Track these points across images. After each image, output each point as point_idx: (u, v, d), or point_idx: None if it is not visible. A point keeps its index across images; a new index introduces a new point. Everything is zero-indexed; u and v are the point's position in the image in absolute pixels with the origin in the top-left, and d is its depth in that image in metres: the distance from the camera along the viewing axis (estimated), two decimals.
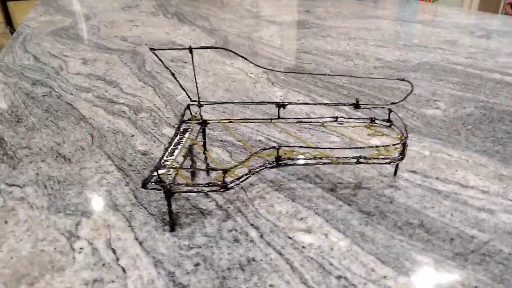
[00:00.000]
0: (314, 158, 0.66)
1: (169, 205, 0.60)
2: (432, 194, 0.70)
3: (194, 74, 0.66)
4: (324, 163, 0.66)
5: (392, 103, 0.78)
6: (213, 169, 0.59)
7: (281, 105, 0.79)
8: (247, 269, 0.54)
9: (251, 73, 1.34)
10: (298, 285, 0.52)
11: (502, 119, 0.98)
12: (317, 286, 0.52)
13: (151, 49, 0.62)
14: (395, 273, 0.53)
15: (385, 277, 0.53)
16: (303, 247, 0.58)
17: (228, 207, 0.67)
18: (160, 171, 0.61)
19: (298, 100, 1.11)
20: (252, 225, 0.63)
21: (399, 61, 1.44)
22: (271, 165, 0.65)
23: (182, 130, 0.75)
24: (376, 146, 0.66)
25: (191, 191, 0.60)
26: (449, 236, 0.60)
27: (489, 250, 0.57)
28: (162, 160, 0.64)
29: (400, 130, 0.73)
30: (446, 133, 0.92)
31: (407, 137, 0.67)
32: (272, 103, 0.79)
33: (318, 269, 0.54)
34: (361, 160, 0.66)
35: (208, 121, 0.79)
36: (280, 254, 0.57)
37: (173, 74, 0.68)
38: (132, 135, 0.92)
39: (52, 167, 0.79)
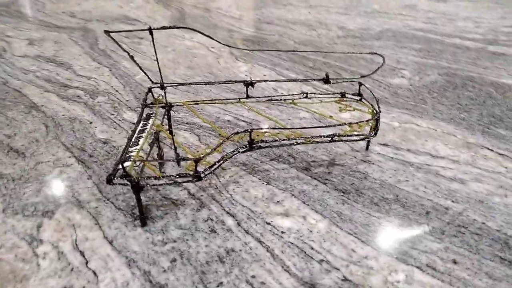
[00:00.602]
0: (288, 138, 0.64)
1: (138, 199, 0.56)
2: (405, 167, 0.70)
3: (156, 56, 0.61)
4: (298, 143, 0.64)
5: (362, 76, 0.76)
6: (184, 159, 0.55)
7: (249, 84, 0.75)
8: (226, 261, 0.52)
9: (212, 48, 1.28)
10: (280, 273, 0.50)
11: (465, 85, 0.99)
12: (300, 272, 0.50)
13: (106, 32, 0.56)
14: (375, 252, 0.53)
15: (366, 257, 0.52)
16: (282, 232, 0.57)
17: (201, 195, 0.64)
18: (125, 164, 0.57)
19: (264, 75, 1.08)
20: (228, 213, 0.60)
21: (362, 29, 1.43)
22: (244, 149, 0.62)
23: (145, 115, 0.70)
24: (350, 123, 0.65)
25: (161, 185, 0.57)
26: (425, 209, 0.60)
27: (464, 221, 0.58)
28: (127, 151, 0.60)
29: (371, 104, 0.72)
30: (413, 102, 0.92)
31: (379, 112, 0.66)
32: (240, 81, 0.75)
33: (300, 254, 0.53)
34: (335, 138, 0.64)
35: (173, 104, 0.75)
36: (260, 241, 0.55)
37: (132, 57, 0.63)
38: (91, 122, 0.86)
39: (4, 163, 0.72)
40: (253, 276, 0.50)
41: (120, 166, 0.56)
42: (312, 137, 0.64)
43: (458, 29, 1.40)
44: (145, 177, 0.55)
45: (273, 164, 0.71)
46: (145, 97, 0.72)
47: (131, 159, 0.58)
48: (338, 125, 0.65)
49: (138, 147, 0.61)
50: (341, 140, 0.65)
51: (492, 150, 0.74)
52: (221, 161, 0.60)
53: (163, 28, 0.56)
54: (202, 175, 0.56)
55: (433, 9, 1.63)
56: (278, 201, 0.62)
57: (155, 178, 0.55)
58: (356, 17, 1.54)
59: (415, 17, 1.53)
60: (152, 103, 0.74)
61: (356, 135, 0.65)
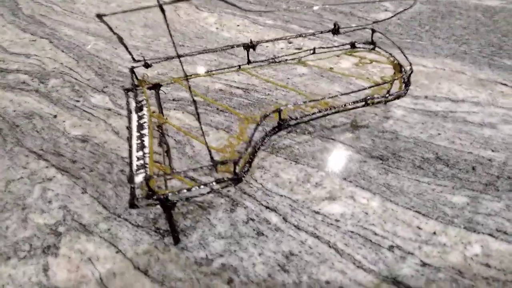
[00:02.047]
0: (319, 110, 0.55)
1: (170, 218, 0.47)
2: (430, 118, 0.65)
3: (171, 35, 0.48)
4: (333, 113, 0.56)
5: (374, 22, 0.67)
6: (222, 163, 0.45)
7: (251, 46, 0.64)
8: (290, 269, 0.46)
9: None
10: (355, 272, 0.45)
11: (451, 13, 0.95)
12: (374, 266, 0.45)
13: (99, 16, 0.41)
14: (441, 225, 0.49)
15: (434, 233, 0.48)
16: (336, 220, 0.51)
17: (228, 191, 0.55)
18: (139, 178, 0.46)
19: (238, 25, 0.94)
20: (267, 207, 0.53)
21: None
22: (273, 131, 0.53)
23: (135, 106, 0.58)
24: (382, 83, 0.57)
25: (197, 196, 0.47)
26: (470, 165, 0.57)
27: (508, 171, 0.56)
28: (136, 161, 0.48)
29: (389, 53, 0.64)
30: (409, 39, 0.86)
31: (410, 64, 0.59)
32: (240, 45, 0.63)
33: (365, 244, 0.48)
34: (369, 102, 0.57)
35: (161, 84, 0.62)
36: (317, 237, 0.49)
37: (121, 39, 0.48)
38: (55, 116, 0.70)
39: None
40: (327, 282, 0.44)
41: (135, 184, 0.45)
42: (345, 104, 0.56)
43: None
44: (175, 191, 0.45)
45: (292, 137, 0.63)
46: (133, 82, 0.58)
47: (146, 170, 0.47)
48: (373, 87, 0.57)
49: (147, 150, 0.50)
50: (378, 102, 0.57)
51: (506, 84, 0.71)
52: (255, 152, 0.51)
53: (177, 1, 0.42)
54: (242, 175, 0.47)
55: None
56: (316, 183, 0.56)
57: (187, 189, 0.45)
58: None
59: None
60: (136, 86, 0.61)
61: (390, 95, 0.58)
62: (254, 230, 0.50)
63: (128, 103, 0.58)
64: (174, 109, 0.70)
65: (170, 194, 0.44)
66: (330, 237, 0.49)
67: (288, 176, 0.57)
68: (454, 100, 0.69)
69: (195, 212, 0.52)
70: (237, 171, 0.46)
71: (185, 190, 0.45)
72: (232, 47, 0.64)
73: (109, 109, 0.71)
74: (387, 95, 0.57)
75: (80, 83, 0.78)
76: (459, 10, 0.95)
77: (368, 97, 0.56)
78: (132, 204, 0.43)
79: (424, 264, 0.45)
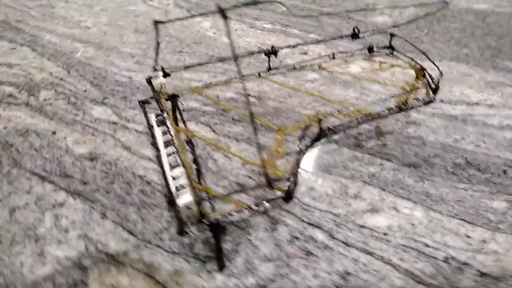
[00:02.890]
0: (356, 118, 0.53)
1: (219, 243, 0.43)
2: (451, 122, 0.65)
3: (231, 41, 0.43)
4: (365, 121, 0.54)
5: (394, 26, 0.66)
6: (276, 181, 0.41)
7: (272, 53, 0.61)
8: (347, 287, 0.43)
9: (150, 1, 1.04)
10: (416, 287, 0.43)
11: (445, 16, 0.96)
12: (434, 280, 0.44)
13: (156, 22, 0.36)
14: (489, 232, 0.49)
15: (484, 241, 0.48)
16: (385, 234, 0.49)
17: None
18: (184, 199, 0.42)
19: (236, 30, 0.91)
20: (310, 224, 0.50)
21: None
22: (312, 142, 0.51)
23: (157, 120, 0.53)
24: (411, 90, 0.56)
25: (247, 218, 0.43)
26: (500, 168, 0.57)
27: None
28: (173, 182, 0.44)
29: (410, 57, 0.63)
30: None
31: (439, 68, 0.58)
32: (261, 52, 0.60)
33: (420, 257, 0.46)
34: (403, 107, 0.55)
35: (178, 94, 0.58)
36: (369, 253, 0.47)
37: (158, 44, 0.44)
38: (53, 132, 0.64)
39: None
40: None
41: (179, 207, 0.41)
42: (379, 112, 0.54)
43: None
44: (225, 213, 0.41)
45: (319, 147, 0.61)
46: (154, 93, 0.53)
47: (185, 191, 0.42)
48: (406, 92, 0.56)
49: (180, 169, 0.45)
50: (412, 108, 0.56)
51: (509, 85, 0.73)
52: (298, 165, 0.47)
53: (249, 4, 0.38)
54: (293, 192, 0.44)
55: None
56: (355, 195, 0.53)
57: (238, 211, 0.41)
58: None
59: None
60: (152, 97, 0.56)
61: (420, 100, 0.57)
62: (301, 249, 0.47)
63: (147, 117, 0.54)
64: (187, 120, 0.65)
65: (220, 217, 0.40)
66: (383, 252, 0.46)
67: (323, 188, 0.54)
68: (469, 103, 0.69)
69: (234, 233, 0.49)
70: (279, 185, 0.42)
71: (234, 213, 0.41)
72: (253, 53, 0.60)
73: (115, 123, 0.65)
74: (417, 100, 0.56)
75: (76, 95, 0.71)
76: (451, 13, 0.97)
77: (402, 104, 0.54)
78: (182, 231, 0.39)
79: (482, 274, 0.44)
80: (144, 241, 0.48)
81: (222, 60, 0.59)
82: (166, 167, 0.46)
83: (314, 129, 0.51)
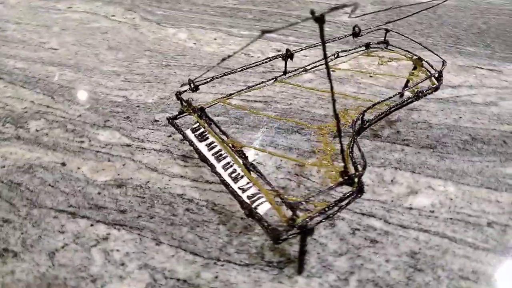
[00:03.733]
0: (389, 109, 0.56)
1: (305, 246, 0.43)
2: (445, 104, 0.72)
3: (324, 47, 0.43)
4: (397, 109, 0.57)
5: (388, 22, 0.71)
6: (352, 178, 0.42)
7: (288, 56, 0.62)
8: (423, 267, 0.46)
9: (113, 16, 1.00)
10: (476, 253, 0.47)
11: (401, 10, 1.05)
12: (487, 243, 0.48)
13: (264, 32, 0.35)
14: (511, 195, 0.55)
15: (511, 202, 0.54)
16: (431, 211, 0.52)
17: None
18: (264, 209, 0.41)
19: (215, 39, 0.91)
20: (364, 214, 0.52)
21: None
22: (357, 136, 0.53)
23: (196, 135, 0.51)
24: (425, 79, 0.61)
25: (329, 216, 0.43)
26: (499, 139, 0.64)
27: None
28: (242, 193, 0.43)
29: (406, 50, 0.69)
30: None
31: (442, 60, 0.64)
32: (278, 56, 0.61)
33: (467, 226, 0.50)
34: (420, 95, 0.60)
35: (205, 106, 0.57)
36: (425, 231, 0.50)
37: (291, 55, 0.42)
38: (63, 164, 0.58)
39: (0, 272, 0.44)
40: (460, 270, 0.46)
41: (261, 213, 0.40)
42: (403, 101, 0.58)
43: None
44: (312, 215, 0.41)
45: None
46: (186, 108, 0.52)
47: (259, 199, 0.42)
48: (418, 83, 0.60)
49: (246, 180, 0.45)
50: (427, 94, 0.60)
51: (482, 68, 0.82)
52: (350, 157, 0.49)
53: (335, 8, 0.39)
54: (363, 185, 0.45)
55: None
56: (392, 181, 0.57)
57: (320, 212, 0.42)
58: None
59: None
60: (181, 112, 0.55)
61: (432, 88, 0.62)
62: (365, 239, 0.49)
63: (183, 133, 0.52)
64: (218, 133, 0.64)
65: (308, 220, 0.40)
66: (436, 227, 0.50)
67: (363, 179, 0.57)
68: (453, 86, 0.76)
69: (297, 235, 0.49)
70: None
71: (318, 214, 0.42)
72: (271, 59, 0.61)
73: (128, 145, 0.62)
74: (429, 89, 0.61)
75: (72, 121, 0.66)
76: (406, 8, 1.06)
77: (419, 91, 0.59)
78: (278, 238, 0.39)
79: None
80: (211, 259, 0.46)
81: (242, 69, 0.59)
82: (230, 181, 0.45)
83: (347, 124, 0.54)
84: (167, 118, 0.53)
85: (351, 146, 0.47)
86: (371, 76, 0.78)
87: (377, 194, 0.54)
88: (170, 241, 0.48)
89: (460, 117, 0.68)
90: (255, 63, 0.60)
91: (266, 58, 0.61)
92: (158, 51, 0.85)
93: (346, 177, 0.42)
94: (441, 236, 0.49)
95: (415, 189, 0.55)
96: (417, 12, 0.66)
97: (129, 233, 0.49)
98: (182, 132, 0.52)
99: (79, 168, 0.58)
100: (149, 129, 0.65)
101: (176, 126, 0.54)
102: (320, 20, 0.35)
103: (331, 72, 0.72)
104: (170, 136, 0.64)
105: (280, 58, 0.62)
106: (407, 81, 0.71)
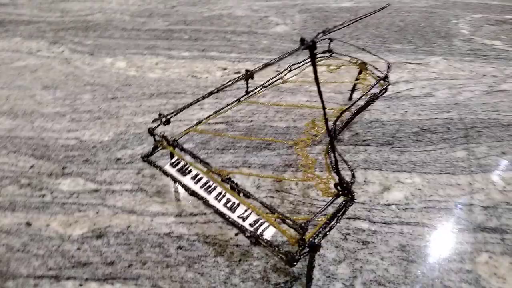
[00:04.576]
0: (351, 115, 0.60)
1: (312, 262, 0.44)
2: (389, 101, 0.78)
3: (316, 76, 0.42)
4: (359, 112, 0.61)
5: (329, 31, 0.75)
6: (347, 185, 0.44)
7: (249, 76, 0.63)
8: (413, 258, 0.50)
9: (38, 51, 0.93)
10: (453, 234, 0.52)
11: (326, 17, 1.11)
12: (460, 224, 0.54)
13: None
14: (469, 176, 0.61)
15: (470, 183, 0.60)
16: (406, 203, 0.57)
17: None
18: (269, 234, 0.42)
19: (157, 64, 0.88)
20: (349, 218, 0.54)
21: None
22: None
23: (178, 170, 0.50)
24: (376, 83, 0.66)
25: (331, 229, 0.45)
26: (444, 126, 0.71)
27: (468, 123, 0.72)
28: (242, 222, 0.43)
29: (350, 56, 0.73)
30: (318, 44, 0.97)
31: (389, 64, 0.69)
32: (240, 78, 0.62)
33: (440, 212, 0.55)
34: (374, 97, 0.64)
35: (177, 138, 0.55)
36: (407, 223, 0.54)
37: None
38: (28, 224, 0.53)
39: None
40: (445, 253, 0.50)
41: (267, 238, 0.41)
42: (361, 106, 0.62)
43: None
44: (318, 231, 0.42)
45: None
46: (157, 143, 0.50)
47: (262, 224, 0.43)
48: (371, 88, 0.65)
49: (244, 207, 0.45)
50: (379, 97, 0.65)
51: (410, 62, 0.90)
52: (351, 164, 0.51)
53: (322, 33, 0.39)
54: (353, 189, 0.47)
55: None
56: (364, 181, 0.60)
57: (323, 227, 0.43)
58: None
59: None
60: (153, 149, 0.53)
61: (384, 89, 0.66)
62: (358, 242, 0.51)
63: (163, 170, 0.50)
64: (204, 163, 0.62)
65: (316, 237, 0.42)
66: (415, 218, 0.54)
67: None
68: (391, 83, 0.83)
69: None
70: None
71: (321, 230, 0.43)
72: (233, 81, 0.61)
73: (96, 190, 0.58)
74: (380, 91, 0.65)
75: (25, 174, 0.60)
76: (330, 14, 1.13)
77: (374, 95, 0.63)
78: (294, 262, 0.39)
79: (485, 208, 0.56)
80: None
81: (210, 94, 0.58)
82: (227, 211, 0.45)
83: (320, 133, 0.56)
84: (141, 157, 0.51)
85: (335, 155, 0.49)
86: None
87: (356, 196, 0.57)
88: (171, 285, 0.46)
89: (406, 111, 0.75)
90: (223, 85, 0.60)
91: (230, 80, 0.61)
92: (100, 84, 0.80)
93: (342, 189, 0.44)
94: (421, 225, 0.53)
95: (387, 186, 0.59)
96: (356, 20, 0.71)
97: (124, 285, 0.46)
98: (161, 169, 0.51)
99: (48, 225, 0.53)
100: (114, 169, 0.62)
101: (153, 163, 0.51)
102: (311, 47, 0.37)
103: (283, 85, 0.74)
104: (139, 173, 0.61)
105: (244, 80, 0.62)
106: (354, 85, 0.76)
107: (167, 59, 0.90)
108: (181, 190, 0.58)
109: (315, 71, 0.36)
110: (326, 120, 0.38)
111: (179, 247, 0.50)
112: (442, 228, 0.53)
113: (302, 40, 0.39)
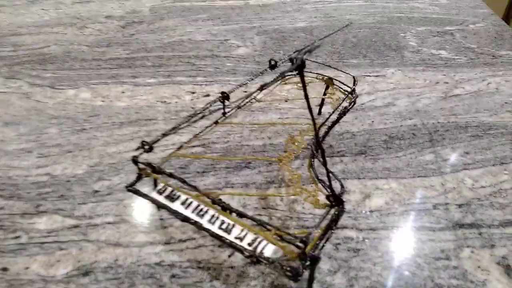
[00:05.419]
0: (326, 129, 0.62)
1: (313, 274, 0.44)
2: (355, 113, 0.81)
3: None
4: (332, 126, 0.63)
5: (297, 51, 0.77)
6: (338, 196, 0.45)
7: (225, 97, 0.64)
8: (403, 260, 0.52)
9: None
10: (436, 234, 0.55)
11: (283, 38, 1.15)
12: (439, 224, 0.57)
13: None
14: (439, 177, 0.65)
15: (442, 184, 0.64)
16: (388, 209, 0.59)
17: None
18: (270, 252, 0.42)
19: (123, 92, 0.87)
20: (337, 228, 0.56)
21: (140, 9, 1.30)
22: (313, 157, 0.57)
23: (166, 196, 0.50)
24: (345, 97, 0.69)
25: (327, 239, 0.46)
26: (409, 133, 0.75)
27: (431, 127, 0.77)
28: (241, 242, 0.43)
29: (316, 73, 0.76)
30: (283, 66, 1.01)
31: (355, 77, 0.72)
32: (215, 101, 0.62)
33: (420, 213, 0.58)
34: (345, 111, 0.67)
35: (161, 166, 0.55)
36: (392, 227, 0.56)
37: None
38: (5, 269, 0.50)
39: None
40: (431, 252, 0.53)
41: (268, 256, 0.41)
42: (332, 123, 0.64)
43: None
44: (314, 244, 0.43)
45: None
46: (141, 171, 0.50)
47: (261, 243, 0.43)
48: (342, 102, 0.68)
49: (240, 228, 0.45)
50: (349, 110, 0.68)
51: (369, 75, 0.95)
52: (317, 178, 0.53)
53: (308, 51, 0.40)
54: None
55: None
56: (346, 191, 0.62)
57: (321, 238, 0.44)
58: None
59: None
60: (138, 177, 0.52)
61: (353, 102, 0.70)
62: (349, 250, 0.53)
63: (150, 198, 0.49)
64: (189, 189, 0.61)
65: (314, 248, 0.43)
66: (398, 222, 0.57)
67: (320, 196, 0.61)
68: (362, 94, 0.87)
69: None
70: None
71: (318, 241, 0.44)
72: (211, 103, 0.62)
73: (76, 226, 0.55)
74: (349, 104, 0.68)
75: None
76: (288, 34, 1.17)
77: (345, 108, 0.66)
78: (298, 276, 0.40)
79: (460, 205, 0.60)
80: None
81: (191, 118, 0.58)
82: (222, 233, 0.45)
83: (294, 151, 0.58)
84: (125, 187, 0.50)
85: (327, 167, 0.51)
86: (286, 101, 0.84)
87: (349, 204, 0.59)
88: None
89: (373, 121, 0.78)
90: (204, 108, 0.60)
91: (208, 103, 0.61)
92: (65, 117, 0.78)
93: (335, 200, 0.45)
94: (405, 228, 0.56)
95: (367, 193, 0.62)
96: (327, 36, 0.74)
97: None
98: (148, 198, 0.50)
99: (27, 268, 0.50)
100: (92, 202, 0.59)
101: (138, 192, 0.50)
102: (300, 67, 0.38)
103: (254, 104, 0.76)
104: (119, 204, 0.59)
105: (220, 101, 0.63)
106: (323, 100, 0.79)
107: (133, 86, 0.89)
108: (166, 217, 0.57)
109: (304, 89, 0.37)
110: (317, 133, 0.40)
111: (173, 276, 0.49)
112: (424, 229, 0.56)
113: (292, 60, 0.40)
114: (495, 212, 0.59)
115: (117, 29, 1.18)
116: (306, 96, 0.39)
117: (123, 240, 0.53)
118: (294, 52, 0.49)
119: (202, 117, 0.62)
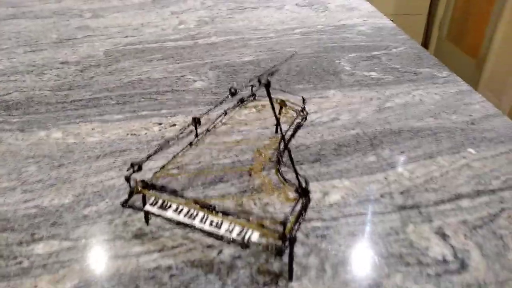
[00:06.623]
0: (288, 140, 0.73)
1: (292, 253, 0.54)
2: (307, 129, 0.94)
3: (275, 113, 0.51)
4: (290, 140, 0.74)
5: (257, 76, 0.89)
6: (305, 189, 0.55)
7: (197, 122, 0.73)
8: (364, 243, 0.62)
9: None
10: (387, 216, 0.67)
11: (235, 71, 1.27)
12: (387, 208, 0.69)
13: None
14: (384, 172, 0.78)
15: (385, 178, 0.77)
16: (344, 201, 0.71)
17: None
18: (255, 238, 0.51)
19: (93, 129, 0.93)
20: (305, 221, 0.66)
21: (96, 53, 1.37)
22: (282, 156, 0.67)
23: (157, 206, 0.57)
24: (297, 115, 0.81)
25: (300, 224, 0.55)
26: (354, 140, 0.89)
27: (369, 135, 0.91)
28: (237, 236, 0.52)
29: (273, 98, 0.88)
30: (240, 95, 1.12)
31: (303, 98, 0.85)
32: (189, 125, 0.71)
33: (371, 203, 0.70)
34: (299, 126, 0.79)
35: (153, 183, 0.62)
36: (349, 215, 0.67)
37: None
38: None
39: None
40: (388, 234, 0.64)
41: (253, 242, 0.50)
42: (290, 136, 0.76)
43: (158, 34, 1.59)
44: (291, 227, 0.53)
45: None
46: (134, 189, 0.57)
47: (248, 231, 0.52)
48: (295, 119, 0.79)
49: (228, 223, 0.54)
50: (302, 125, 0.80)
51: (315, 97, 1.09)
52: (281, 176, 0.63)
53: (270, 74, 0.51)
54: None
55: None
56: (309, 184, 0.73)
57: (294, 223, 0.54)
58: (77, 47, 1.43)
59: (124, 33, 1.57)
60: (130, 195, 0.60)
61: (304, 119, 0.82)
62: (317, 237, 0.63)
63: (145, 211, 0.57)
64: (175, 206, 0.68)
65: (294, 232, 0.52)
66: (355, 210, 0.68)
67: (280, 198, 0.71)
68: (314, 112, 1.00)
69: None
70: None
71: (300, 220, 0.54)
72: (185, 128, 0.71)
73: (73, 247, 0.61)
74: (301, 120, 0.81)
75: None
76: (238, 68, 1.29)
77: (299, 123, 0.78)
78: (281, 252, 0.49)
79: (402, 193, 0.72)
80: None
81: (168, 142, 0.67)
82: (214, 230, 0.53)
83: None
84: (121, 204, 0.57)
85: (295, 167, 0.61)
86: (246, 124, 0.95)
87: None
88: None
89: (322, 135, 0.91)
90: (180, 132, 0.69)
91: (182, 127, 0.70)
92: (41, 155, 0.82)
93: (302, 192, 0.55)
94: (360, 214, 0.67)
95: (326, 191, 0.73)
96: (278, 64, 0.86)
97: None
98: (143, 211, 0.57)
99: (35, 286, 0.54)
100: (85, 225, 0.65)
101: (133, 207, 0.57)
102: (267, 85, 0.49)
103: (218, 128, 0.86)
104: (111, 223, 0.65)
105: (193, 125, 0.72)
106: (278, 120, 0.90)
107: (102, 123, 0.95)
108: (155, 229, 0.64)
109: (271, 103, 0.49)
110: (283, 136, 0.50)
111: (171, 275, 0.56)
112: (375, 214, 0.67)
113: (259, 81, 0.51)
114: (430, 194, 0.72)
115: (75, 73, 1.24)
116: (273, 107, 0.50)
117: (120, 253, 0.60)
118: (254, 78, 0.61)
119: (178, 140, 0.71)
